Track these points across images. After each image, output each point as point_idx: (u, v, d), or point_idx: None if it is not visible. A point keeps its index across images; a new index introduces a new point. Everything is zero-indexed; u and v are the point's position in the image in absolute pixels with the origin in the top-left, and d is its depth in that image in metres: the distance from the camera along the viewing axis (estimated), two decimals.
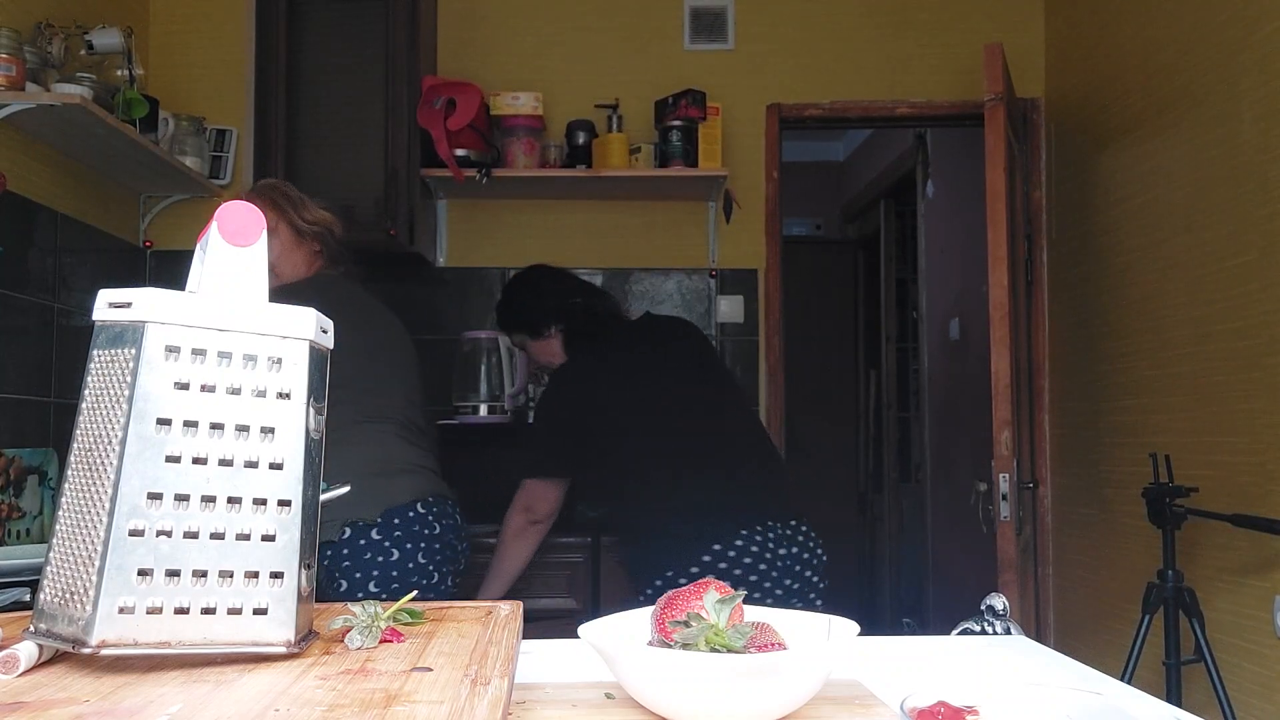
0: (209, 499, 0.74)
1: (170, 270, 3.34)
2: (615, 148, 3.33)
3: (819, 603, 2.28)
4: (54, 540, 0.75)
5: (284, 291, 2.13)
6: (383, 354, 2.26)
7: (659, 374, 2.45)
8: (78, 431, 0.76)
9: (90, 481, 0.73)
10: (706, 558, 2.18)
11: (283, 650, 0.75)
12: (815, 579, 2.29)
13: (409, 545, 2.07)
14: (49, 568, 0.75)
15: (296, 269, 2.31)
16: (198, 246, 0.82)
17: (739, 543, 2.19)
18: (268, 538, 0.76)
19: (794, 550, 2.25)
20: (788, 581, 2.23)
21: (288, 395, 0.78)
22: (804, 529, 2.31)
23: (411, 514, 2.10)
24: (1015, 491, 2.88)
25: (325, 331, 0.82)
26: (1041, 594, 3.50)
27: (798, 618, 0.85)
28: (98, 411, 0.75)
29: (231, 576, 0.74)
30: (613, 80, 3.53)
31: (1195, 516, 2.42)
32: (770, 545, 2.22)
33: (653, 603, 0.81)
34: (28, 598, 1.08)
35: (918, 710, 0.77)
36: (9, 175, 2.53)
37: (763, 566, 2.20)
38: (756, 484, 2.36)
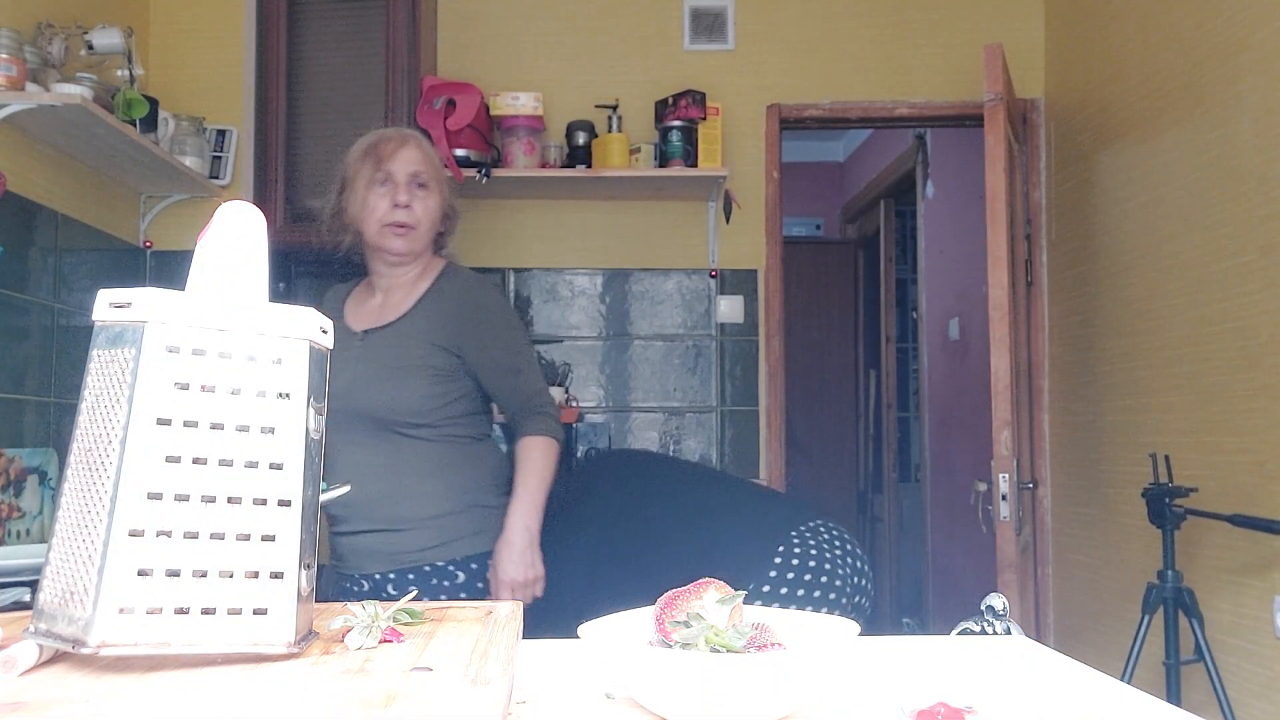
0: (209, 499, 0.74)
1: (170, 270, 3.34)
2: (615, 148, 3.33)
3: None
4: (54, 540, 0.75)
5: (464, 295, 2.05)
6: None
7: None
8: (78, 431, 0.76)
9: (90, 481, 0.73)
10: (795, 537, 2.09)
11: (283, 650, 0.75)
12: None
13: None
14: (49, 568, 0.75)
15: (426, 246, 2.09)
16: (198, 246, 0.82)
17: (814, 531, 2.17)
18: (268, 538, 0.76)
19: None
20: (838, 583, 2.21)
21: (288, 395, 0.78)
22: None
23: None
24: (1015, 491, 2.88)
25: (325, 331, 0.82)
26: (1041, 594, 3.50)
27: (798, 618, 0.85)
28: (98, 411, 0.75)
29: (231, 576, 0.74)
30: (613, 80, 3.53)
31: (1195, 516, 2.42)
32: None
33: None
34: (28, 598, 1.08)
35: (918, 710, 0.76)
36: (9, 175, 2.52)
37: (828, 566, 2.18)
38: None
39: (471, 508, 1.99)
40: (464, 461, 2.00)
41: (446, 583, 1.96)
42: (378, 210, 2.01)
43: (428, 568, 1.96)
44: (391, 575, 1.96)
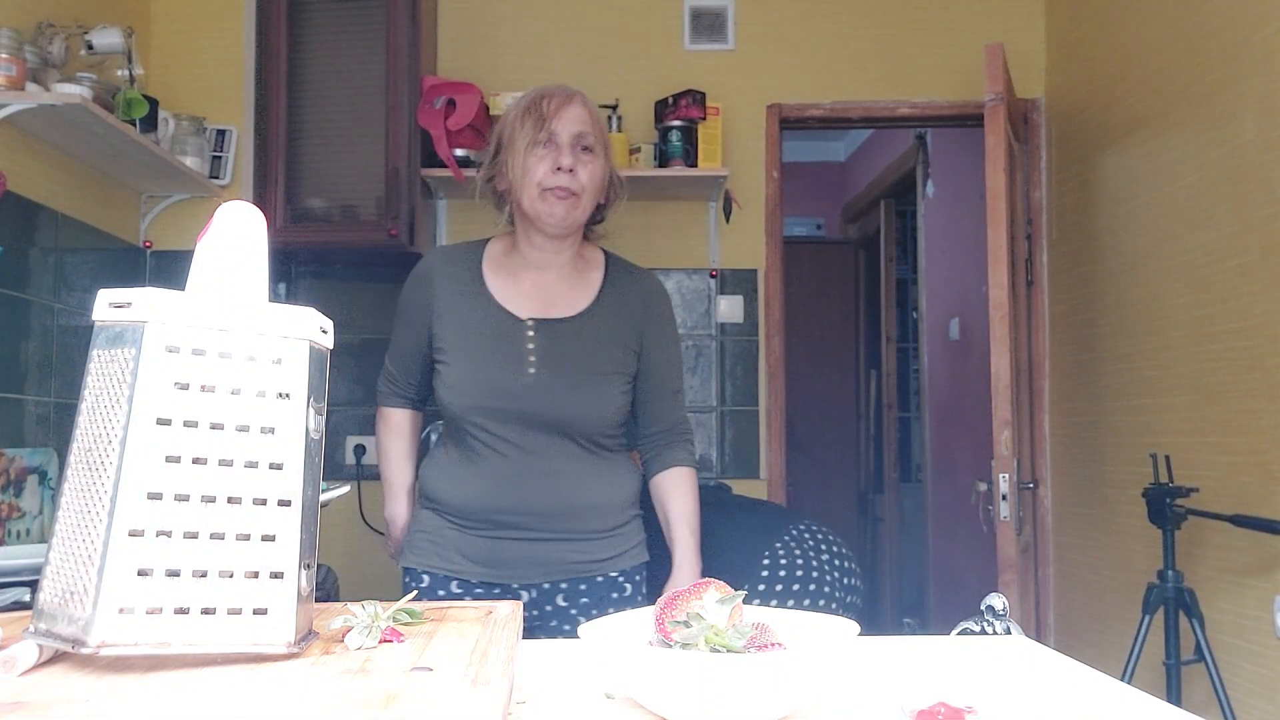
0: (209, 499, 0.74)
1: (170, 270, 3.34)
2: (615, 148, 3.32)
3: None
4: (54, 540, 0.75)
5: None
6: None
7: None
8: (78, 431, 0.76)
9: (90, 481, 0.73)
10: (780, 545, 2.09)
11: (283, 650, 0.75)
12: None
13: None
14: (49, 568, 0.74)
15: (587, 218, 1.89)
16: (198, 246, 0.82)
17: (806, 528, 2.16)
18: (268, 538, 0.76)
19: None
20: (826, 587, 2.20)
21: (288, 395, 0.78)
22: None
23: None
24: (1015, 491, 2.88)
25: (325, 331, 0.82)
26: (1041, 594, 3.50)
27: (798, 618, 0.85)
28: (98, 411, 0.75)
29: (231, 576, 0.74)
30: (613, 80, 3.53)
31: (1195, 517, 2.42)
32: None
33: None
34: (28, 598, 1.08)
35: (918, 710, 0.76)
36: (9, 175, 2.53)
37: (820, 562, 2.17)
38: None
39: (634, 519, 1.90)
40: (627, 471, 1.89)
41: (616, 594, 1.85)
42: (536, 173, 1.79)
43: (600, 578, 1.84)
44: (563, 585, 1.82)
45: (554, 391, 1.78)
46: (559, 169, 1.78)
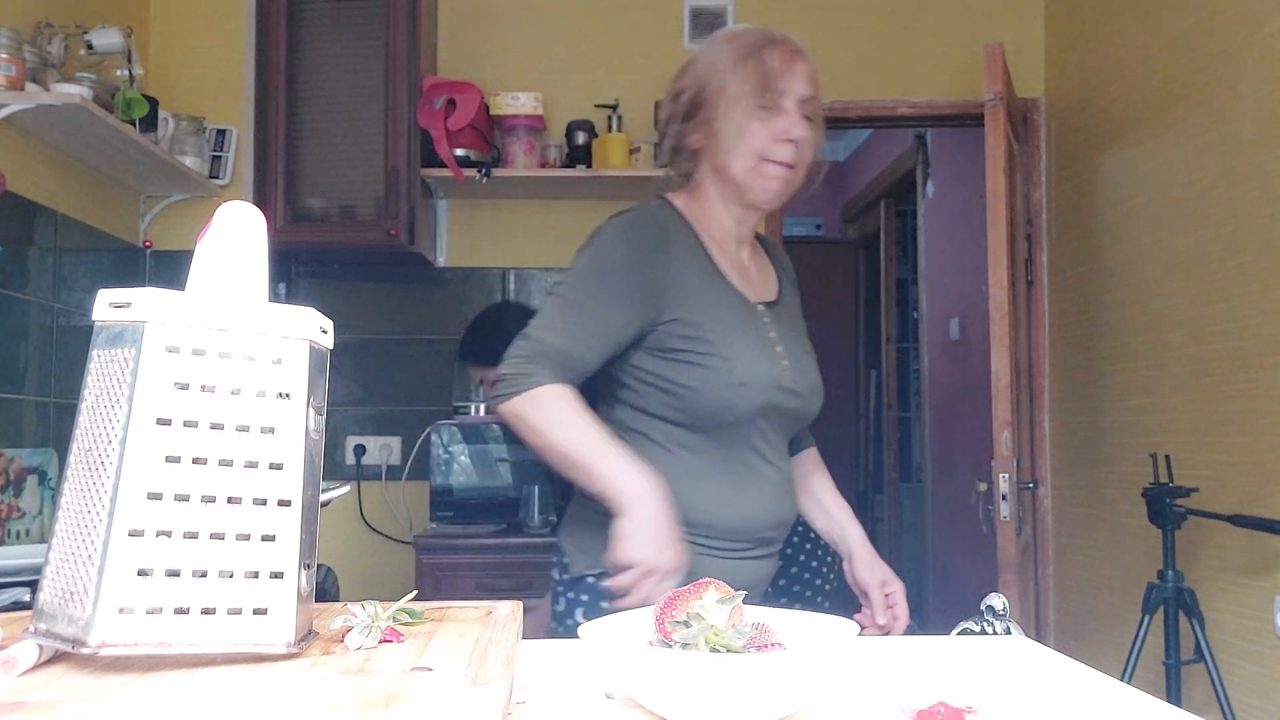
0: (209, 499, 0.74)
1: (170, 270, 3.34)
2: (615, 148, 3.33)
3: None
4: (54, 540, 0.75)
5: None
6: None
7: None
8: (78, 431, 0.76)
9: (90, 481, 0.73)
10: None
11: (283, 650, 0.75)
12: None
13: None
14: (49, 568, 0.74)
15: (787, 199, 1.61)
16: (198, 246, 0.82)
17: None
18: (268, 538, 0.76)
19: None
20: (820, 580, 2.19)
21: (288, 395, 0.78)
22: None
23: None
24: (1015, 491, 2.88)
25: (325, 331, 0.82)
26: (1041, 594, 3.50)
27: (798, 618, 0.85)
28: (98, 411, 0.75)
29: (231, 576, 0.74)
30: (613, 80, 3.53)
31: (1195, 516, 2.43)
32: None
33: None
34: (28, 598, 1.08)
35: (918, 710, 0.77)
36: (9, 175, 2.52)
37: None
38: None
39: None
40: None
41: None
42: (757, 140, 1.49)
43: (769, 590, 1.65)
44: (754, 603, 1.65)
45: (811, 387, 1.56)
46: (787, 139, 1.49)
